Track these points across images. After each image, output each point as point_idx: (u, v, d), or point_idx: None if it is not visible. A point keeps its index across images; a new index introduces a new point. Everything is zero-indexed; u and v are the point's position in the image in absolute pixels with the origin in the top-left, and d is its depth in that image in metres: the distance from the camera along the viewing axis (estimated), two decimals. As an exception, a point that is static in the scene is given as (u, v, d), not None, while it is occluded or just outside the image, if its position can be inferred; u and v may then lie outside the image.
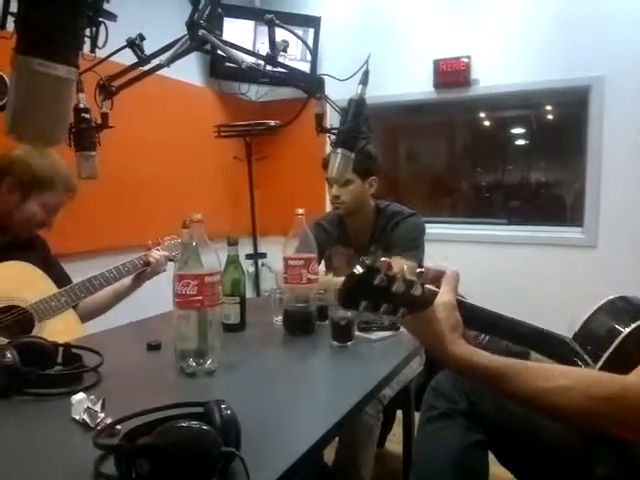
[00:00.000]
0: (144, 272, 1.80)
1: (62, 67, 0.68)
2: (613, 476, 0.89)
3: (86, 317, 1.69)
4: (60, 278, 1.67)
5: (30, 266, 1.56)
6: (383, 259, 0.78)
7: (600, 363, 0.85)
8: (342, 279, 1.90)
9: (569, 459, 0.98)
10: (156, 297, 1.75)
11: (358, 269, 0.77)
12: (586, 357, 0.87)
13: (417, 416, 1.22)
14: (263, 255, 3.57)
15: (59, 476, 0.76)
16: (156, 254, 1.81)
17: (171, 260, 1.85)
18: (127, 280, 1.79)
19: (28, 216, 1.56)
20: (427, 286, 0.81)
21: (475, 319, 0.88)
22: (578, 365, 0.86)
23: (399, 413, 1.80)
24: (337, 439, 1.58)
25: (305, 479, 1.66)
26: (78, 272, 1.79)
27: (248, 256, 3.46)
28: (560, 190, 3.73)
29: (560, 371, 0.76)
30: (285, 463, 0.76)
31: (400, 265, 0.80)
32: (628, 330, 0.86)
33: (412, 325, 0.84)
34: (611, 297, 0.96)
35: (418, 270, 0.81)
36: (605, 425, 0.73)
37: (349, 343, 1.33)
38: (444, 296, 0.82)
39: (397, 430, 1.93)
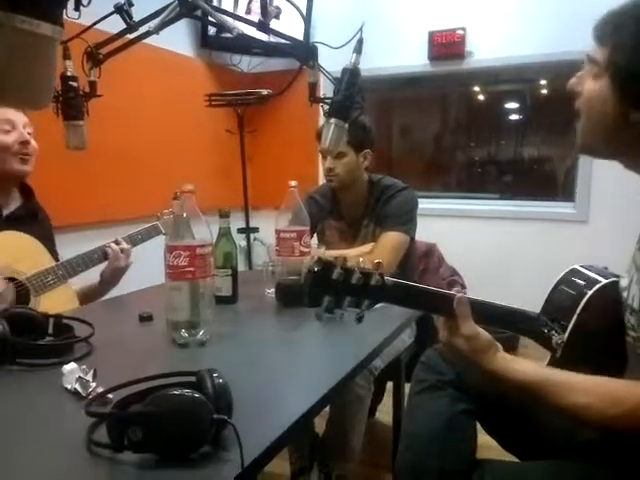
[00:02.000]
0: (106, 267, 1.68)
1: (47, 25, 0.64)
2: (595, 441, 0.91)
3: None
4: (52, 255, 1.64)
5: (30, 238, 1.52)
6: (338, 254, 0.81)
7: (568, 331, 0.92)
8: (334, 252, 1.88)
9: (551, 426, 1.00)
10: (147, 272, 1.74)
11: (315, 266, 0.81)
12: (556, 328, 0.94)
13: (407, 387, 1.23)
14: (255, 230, 3.55)
15: (51, 444, 0.76)
16: (116, 246, 1.67)
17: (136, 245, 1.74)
18: (94, 280, 1.70)
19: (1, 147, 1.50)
20: (388, 278, 0.84)
21: None
22: (547, 336, 0.93)
23: (389, 384, 1.82)
24: (328, 410, 1.60)
25: (296, 449, 1.69)
26: (64, 245, 1.77)
27: (240, 230, 3.43)
28: (552, 165, 3.73)
29: (583, 388, 0.82)
30: (276, 431, 0.77)
31: (357, 259, 0.84)
32: (588, 295, 0.92)
33: (453, 354, 0.94)
34: (572, 267, 1.02)
35: (376, 261, 0.84)
36: (629, 432, 0.80)
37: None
38: (465, 329, 0.88)
39: (387, 401, 1.96)
